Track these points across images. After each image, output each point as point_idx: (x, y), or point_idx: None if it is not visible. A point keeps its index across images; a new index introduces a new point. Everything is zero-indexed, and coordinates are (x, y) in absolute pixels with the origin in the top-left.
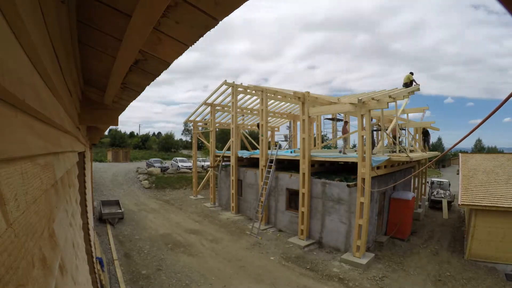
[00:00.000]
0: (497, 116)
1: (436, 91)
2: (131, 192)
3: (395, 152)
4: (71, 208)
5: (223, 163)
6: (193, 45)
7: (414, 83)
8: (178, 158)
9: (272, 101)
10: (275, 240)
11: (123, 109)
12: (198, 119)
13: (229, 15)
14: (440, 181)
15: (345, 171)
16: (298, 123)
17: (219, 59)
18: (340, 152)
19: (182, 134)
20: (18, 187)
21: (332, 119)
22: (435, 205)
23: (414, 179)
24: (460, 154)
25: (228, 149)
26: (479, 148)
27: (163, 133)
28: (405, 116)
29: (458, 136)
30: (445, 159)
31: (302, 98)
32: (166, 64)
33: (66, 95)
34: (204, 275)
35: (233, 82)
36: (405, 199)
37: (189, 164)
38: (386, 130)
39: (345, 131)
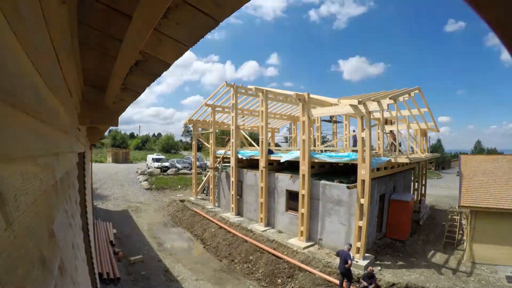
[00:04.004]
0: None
1: None
2: (131, 192)
3: (394, 153)
4: (71, 208)
5: (223, 164)
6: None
7: None
8: (175, 160)
9: (273, 102)
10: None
11: (123, 110)
12: (198, 120)
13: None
14: None
15: (345, 172)
16: (298, 124)
17: None
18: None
19: (182, 135)
20: (18, 187)
21: (329, 121)
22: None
23: (414, 180)
24: (460, 155)
25: (228, 150)
26: (478, 150)
27: (163, 134)
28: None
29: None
30: (445, 160)
31: (303, 100)
32: (166, 65)
33: (66, 95)
34: (204, 275)
35: (233, 83)
36: (405, 200)
37: (188, 164)
38: (386, 132)
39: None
